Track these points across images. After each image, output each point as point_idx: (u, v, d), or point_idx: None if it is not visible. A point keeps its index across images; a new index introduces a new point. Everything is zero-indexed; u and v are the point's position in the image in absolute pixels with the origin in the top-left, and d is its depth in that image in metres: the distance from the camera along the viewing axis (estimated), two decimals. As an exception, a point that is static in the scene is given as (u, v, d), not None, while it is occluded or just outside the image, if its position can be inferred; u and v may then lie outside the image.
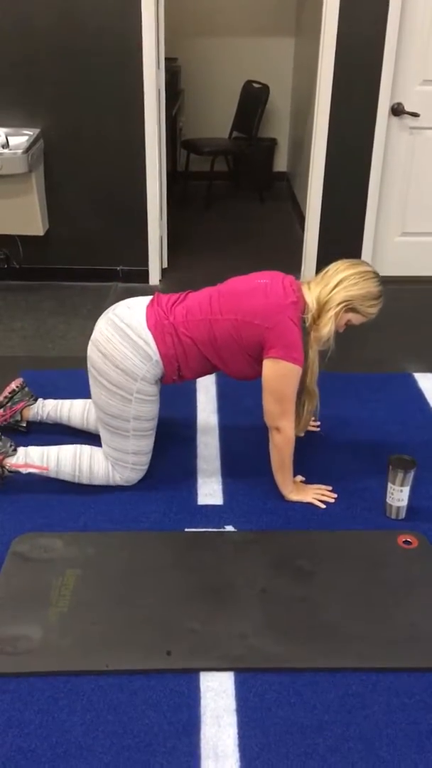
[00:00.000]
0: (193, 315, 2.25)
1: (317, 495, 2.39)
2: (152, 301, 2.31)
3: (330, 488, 2.43)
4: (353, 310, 2.25)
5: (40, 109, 3.75)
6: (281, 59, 5.81)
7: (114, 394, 2.24)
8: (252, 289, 2.25)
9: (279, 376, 2.21)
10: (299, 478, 2.45)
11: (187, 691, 1.75)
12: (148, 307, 2.28)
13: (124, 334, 2.22)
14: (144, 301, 2.31)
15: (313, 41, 4.06)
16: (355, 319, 2.29)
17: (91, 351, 2.28)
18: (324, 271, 2.30)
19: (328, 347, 2.29)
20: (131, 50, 3.61)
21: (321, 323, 2.23)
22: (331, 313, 2.22)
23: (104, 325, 2.27)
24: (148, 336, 2.22)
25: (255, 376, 2.29)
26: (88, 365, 2.30)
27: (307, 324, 2.24)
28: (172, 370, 2.28)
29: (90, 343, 2.29)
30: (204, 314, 2.24)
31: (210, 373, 2.40)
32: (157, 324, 2.23)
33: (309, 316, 2.24)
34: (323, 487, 2.43)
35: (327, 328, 2.23)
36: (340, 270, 2.26)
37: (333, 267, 2.29)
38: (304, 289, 2.27)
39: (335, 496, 2.40)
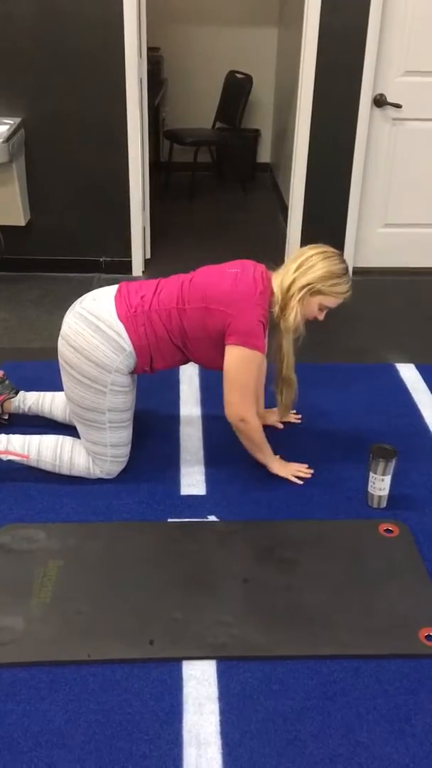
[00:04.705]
0: (164, 304, 2.24)
1: (295, 472, 2.45)
2: (119, 291, 2.28)
3: (306, 465, 2.48)
4: (319, 292, 2.22)
5: (21, 98, 3.72)
6: (264, 49, 5.79)
7: (88, 387, 2.23)
8: (221, 278, 2.25)
9: (240, 363, 2.21)
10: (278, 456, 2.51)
11: (169, 680, 1.76)
12: (116, 297, 2.26)
13: (95, 327, 2.20)
14: (110, 291, 2.29)
15: (296, 32, 4.05)
16: (327, 301, 2.25)
17: (62, 346, 2.25)
18: (289, 258, 2.31)
19: (299, 335, 2.28)
20: (113, 39, 3.59)
21: (287, 312, 2.22)
22: (295, 300, 2.21)
23: (73, 320, 2.24)
24: (120, 327, 2.21)
25: None
26: (60, 360, 2.27)
27: (275, 315, 2.23)
28: (145, 361, 2.27)
29: (60, 338, 2.26)
30: (173, 303, 2.23)
31: (182, 363, 2.40)
32: (128, 314, 2.22)
33: (276, 307, 2.23)
34: (302, 465, 2.48)
35: (293, 315, 2.21)
36: (301, 254, 2.27)
37: (296, 252, 2.30)
38: (273, 279, 2.27)
39: (311, 471, 2.46)
